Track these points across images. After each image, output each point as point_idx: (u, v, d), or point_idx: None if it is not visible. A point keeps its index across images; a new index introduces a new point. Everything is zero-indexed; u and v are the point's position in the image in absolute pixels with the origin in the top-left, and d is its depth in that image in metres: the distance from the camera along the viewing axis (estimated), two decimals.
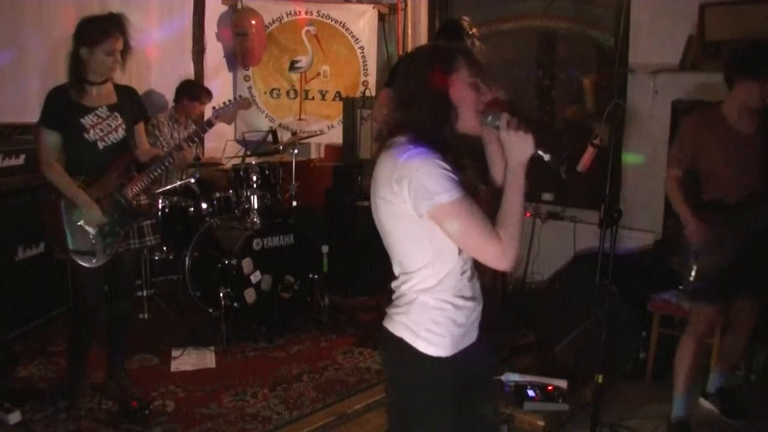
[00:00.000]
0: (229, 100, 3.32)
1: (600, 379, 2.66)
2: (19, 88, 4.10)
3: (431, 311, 1.70)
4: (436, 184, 1.58)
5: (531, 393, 3.10)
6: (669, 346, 3.68)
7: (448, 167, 1.61)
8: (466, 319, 1.74)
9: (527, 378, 3.19)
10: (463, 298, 1.73)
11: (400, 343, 1.72)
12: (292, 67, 5.66)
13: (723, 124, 2.87)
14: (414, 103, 1.68)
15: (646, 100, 4.16)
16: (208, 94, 4.85)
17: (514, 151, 1.64)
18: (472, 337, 1.79)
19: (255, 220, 4.06)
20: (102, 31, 2.79)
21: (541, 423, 2.97)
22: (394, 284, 1.79)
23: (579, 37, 4.66)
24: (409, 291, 1.72)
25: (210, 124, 3.21)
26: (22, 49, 4.19)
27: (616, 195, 4.16)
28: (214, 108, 3.30)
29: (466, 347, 1.76)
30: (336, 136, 5.55)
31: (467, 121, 1.69)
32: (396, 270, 1.77)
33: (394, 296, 1.80)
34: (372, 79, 5.68)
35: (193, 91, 4.77)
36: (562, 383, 3.16)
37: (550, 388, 3.14)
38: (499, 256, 1.62)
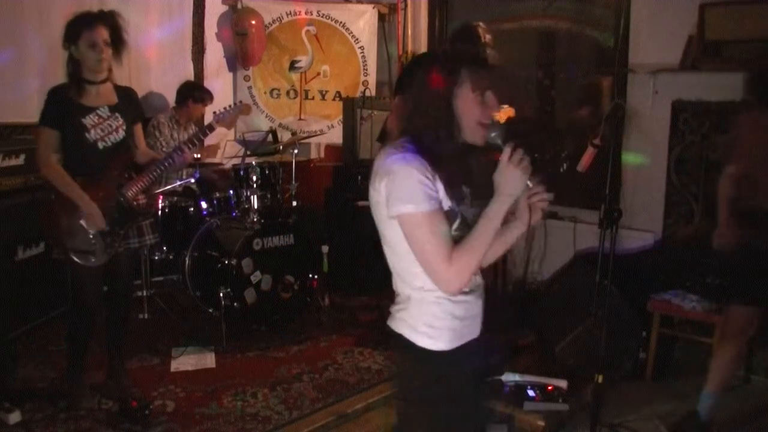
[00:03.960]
0: (230, 105, 3.32)
1: (600, 379, 2.66)
2: (19, 88, 4.10)
3: (429, 306, 1.71)
4: (409, 192, 1.59)
5: (531, 393, 3.10)
6: (669, 346, 3.69)
7: (427, 179, 1.60)
8: (465, 312, 1.75)
9: (527, 378, 3.19)
10: (462, 292, 1.72)
11: (401, 339, 1.74)
12: (292, 67, 5.66)
13: None
14: (417, 110, 1.68)
15: (646, 100, 4.16)
16: (211, 96, 4.86)
17: (506, 182, 1.63)
18: (474, 331, 1.79)
19: (255, 220, 4.06)
20: (82, 24, 2.79)
21: (541, 423, 2.97)
22: (394, 284, 1.80)
23: (579, 37, 4.66)
24: (407, 289, 1.74)
25: (211, 128, 3.22)
26: (22, 49, 4.19)
27: (616, 195, 4.15)
28: (214, 113, 3.30)
29: (468, 341, 1.77)
30: (336, 136, 5.55)
31: (470, 133, 1.69)
32: (393, 270, 1.78)
33: (396, 295, 1.81)
34: (372, 79, 5.68)
35: (198, 92, 4.77)
36: (562, 383, 3.15)
37: (550, 388, 3.13)
38: (443, 280, 1.63)
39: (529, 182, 1.64)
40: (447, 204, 1.66)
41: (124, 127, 2.96)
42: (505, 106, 4.25)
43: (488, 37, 3.82)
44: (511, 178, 1.62)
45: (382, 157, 1.68)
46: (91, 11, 2.88)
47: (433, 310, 1.71)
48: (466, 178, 1.72)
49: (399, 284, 1.77)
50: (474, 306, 1.78)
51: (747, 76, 2.75)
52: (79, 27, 2.79)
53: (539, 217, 1.72)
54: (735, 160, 2.88)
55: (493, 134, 1.67)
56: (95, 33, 2.79)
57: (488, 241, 1.62)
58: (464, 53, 1.74)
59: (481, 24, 3.91)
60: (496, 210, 1.63)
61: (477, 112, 1.67)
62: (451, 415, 1.75)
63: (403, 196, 1.59)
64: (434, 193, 1.61)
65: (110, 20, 2.85)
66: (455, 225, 1.67)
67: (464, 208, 1.72)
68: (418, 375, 1.76)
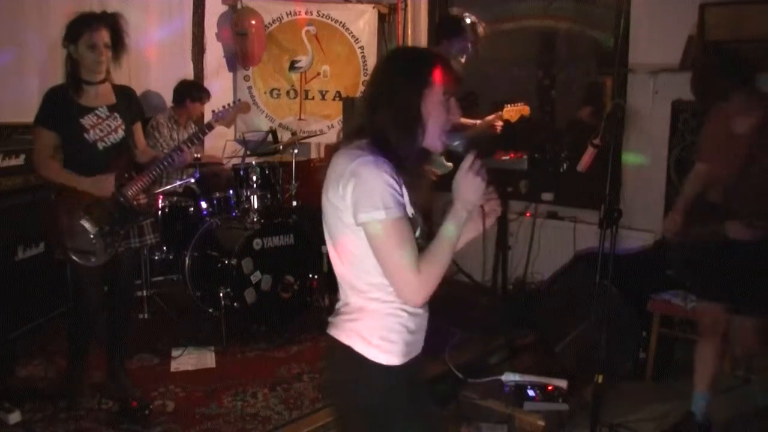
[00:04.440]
0: (229, 104, 3.32)
1: (600, 379, 2.66)
2: (19, 88, 4.09)
3: (385, 318, 1.64)
4: (380, 197, 1.51)
5: (531, 393, 3.10)
6: (669, 346, 3.69)
7: (395, 184, 1.54)
8: (416, 326, 1.68)
9: (527, 378, 3.19)
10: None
11: (349, 351, 1.65)
12: (292, 67, 5.65)
13: None
14: (381, 108, 1.60)
15: (646, 100, 4.17)
16: (208, 94, 4.86)
17: (466, 190, 1.59)
18: (419, 347, 1.73)
19: (255, 220, 4.06)
20: (83, 25, 2.78)
21: (541, 423, 2.97)
22: (341, 293, 1.72)
23: (579, 37, 4.66)
24: (360, 299, 1.65)
25: (210, 127, 3.21)
26: (22, 49, 4.19)
27: (616, 195, 4.16)
28: (213, 111, 3.30)
29: (414, 357, 1.70)
30: (336, 136, 5.55)
31: (431, 138, 1.63)
32: (347, 278, 1.67)
33: (338, 304, 1.73)
34: None
35: (196, 91, 4.77)
36: (562, 383, 3.16)
37: (550, 388, 3.14)
38: (411, 291, 1.55)
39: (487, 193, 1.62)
40: (410, 210, 1.60)
41: (123, 127, 2.95)
42: (520, 103, 4.23)
43: (482, 28, 3.83)
44: (471, 185, 1.58)
45: (344, 159, 1.58)
46: (94, 12, 2.87)
47: (388, 323, 1.64)
48: (421, 184, 1.67)
49: (350, 294, 1.67)
50: (424, 320, 1.72)
51: (691, 73, 2.82)
52: (80, 27, 2.78)
53: (492, 222, 1.69)
54: (701, 156, 2.98)
55: (456, 142, 1.64)
56: (96, 34, 2.78)
57: (452, 248, 1.58)
58: (436, 54, 1.69)
59: (470, 15, 3.91)
60: (459, 217, 1.58)
61: (443, 117, 1.62)
62: (401, 428, 1.68)
63: (374, 202, 1.51)
64: (402, 198, 1.55)
65: (112, 22, 2.85)
66: (417, 233, 1.61)
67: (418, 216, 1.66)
68: (366, 388, 1.66)
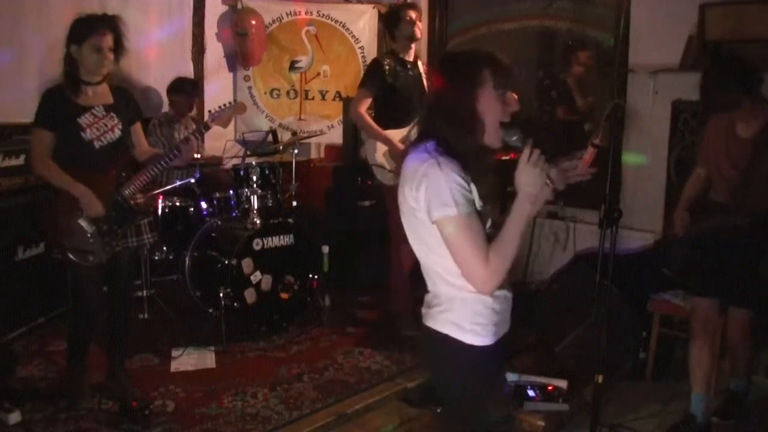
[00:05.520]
0: (225, 104, 3.32)
1: (600, 379, 2.66)
2: (19, 88, 4.10)
3: (474, 304, 1.77)
4: (448, 195, 1.64)
5: (531, 393, 3.10)
6: (669, 346, 3.69)
7: (463, 181, 1.66)
8: (501, 307, 1.82)
9: (527, 378, 3.19)
10: (498, 287, 1.78)
11: (446, 339, 1.79)
12: (292, 67, 5.66)
13: None
14: (439, 112, 1.72)
15: (646, 100, 4.16)
16: (192, 83, 4.91)
17: (526, 183, 1.68)
18: (507, 325, 1.88)
19: (255, 220, 4.06)
20: (89, 27, 2.80)
21: (541, 423, 2.98)
22: (431, 284, 1.84)
23: (579, 37, 4.66)
24: (450, 289, 1.78)
25: (207, 126, 3.22)
26: (22, 49, 4.19)
27: (616, 195, 4.15)
28: (209, 111, 3.30)
29: (503, 335, 1.85)
30: (336, 136, 5.55)
31: (490, 134, 1.73)
32: (432, 271, 1.81)
33: (428, 296, 1.86)
34: None
35: (188, 87, 4.79)
36: (562, 383, 3.16)
37: (550, 388, 3.14)
38: (482, 280, 1.68)
39: (548, 180, 1.69)
40: (479, 204, 1.71)
41: (120, 127, 2.96)
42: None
43: (413, 15, 3.92)
44: (531, 177, 1.66)
45: (413, 163, 1.72)
46: (100, 15, 2.88)
47: (477, 308, 1.77)
48: (487, 178, 1.78)
49: (439, 285, 1.80)
50: (508, 299, 1.87)
51: (700, 82, 2.85)
52: (86, 30, 2.80)
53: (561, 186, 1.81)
54: (700, 162, 3.09)
55: (514, 138, 1.72)
56: (102, 38, 2.81)
57: (518, 239, 1.68)
58: (484, 54, 1.78)
59: (411, 5, 4.00)
60: (522, 210, 1.68)
61: (498, 112, 1.72)
62: (492, 403, 1.85)
63: (445, 200, 1.64)
64: (470, 194, 1.67)
65: (115, 26, 2.87)
66: (488, 225, 1.74)
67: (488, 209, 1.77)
68: (463, 370, 1.82)
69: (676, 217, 3.11)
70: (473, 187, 1.70)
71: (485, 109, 1.71)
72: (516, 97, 1.76)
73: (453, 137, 1.70)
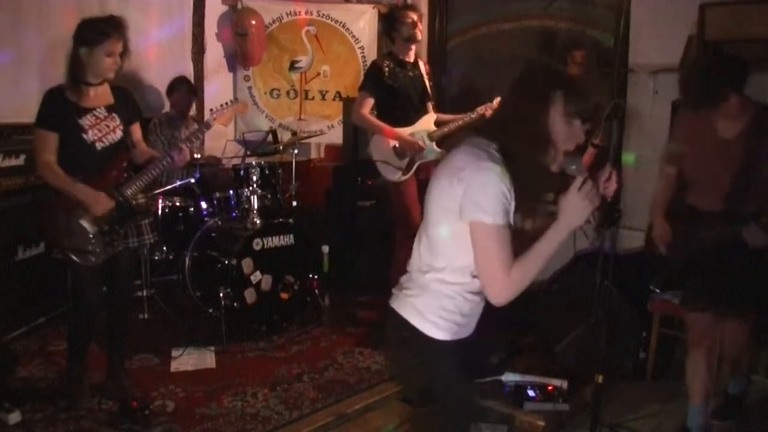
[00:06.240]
0: (226, 102, 3.32)
1: (600, 379, 2.66)
2: (19, 88, 4.10)
3: (443, 299, 1.78)
4: (491, 203, 1.63)
5: (531, 393, 3.10)
6: (669, 346, 3.68)
7: (508, 194, 1.65)
8: (469, 311, 1.83)
9: (527, 378, 3.19)
10: (472, 293, 1.81)
11: (406, 324, 1.81)
12: (292, 67, 5.66)
13: None
14: (514, 121, 1.71)
15: (646, 100, 4.16)
16: (187, 81, 4.92)
17: (572, 213, 1.67)
18: (470, 330, 1.88)
19: (255, 220, 4.06)
20: (103, 33, 2.80)
21: (541, 423, 2.98)
22: (412, 267, 1.86)
23: (577, 36, 4.66)
24: (428, 279, 1.79)
25: (208, 125, 3.22)
26: (22, 49, 4.19)
27: (616, 195, 4.15)
28: (210, 110, 3.31)
29: (462, 339, 1.86)
30: (336, 136, 5.55)
31: (551, 157, 1.72)
32: (424, 256, 1.82)
33: (404, 278, 1.88)
34: None
35: (183, 85, 4.80)
36: (562, 383, 3.16)
37: (550, 388, 3.14)
38: (498, 289, 1.70)
39: (591, 218, 1.69)
40: (512, 219, 1.71)
41: (122, 128, 2.96)
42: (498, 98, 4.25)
43: (414, 16, 3.92)
44: (579, 207, 1.66)
45: (465, 156, 1.71)
46: (109, 19, 2.87)
47: (445, 303, 1.78)
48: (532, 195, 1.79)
49: (420, 271, 1.81)
50: (478, 307, 1.86)
51: (679, 76, 2.79)
52: (100, 34, 2.79)
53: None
54: (670, 160, 2.95)
55: (573, 167, 1.69)
56: (115, 44, 2.82)
57: (544, 262, 1.69)
58: (562, 74, 1.79)
59: (410, 6, 3.98)
60: (560, 236, 1.68)
61: (563, 136, 1.70)
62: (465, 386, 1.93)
63: (484, 206, 1.64)
64: (510, 207, 1.67)
65: (123, 30, 2.88)
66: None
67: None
68: (424, 359, 1.86)
69: (656, 227, 2.95)
70: (513, 201, 1.69)
71: (553, 130, 1.69)
72: (585, 129, 1.73)
73: (522, 147, 1.68)
